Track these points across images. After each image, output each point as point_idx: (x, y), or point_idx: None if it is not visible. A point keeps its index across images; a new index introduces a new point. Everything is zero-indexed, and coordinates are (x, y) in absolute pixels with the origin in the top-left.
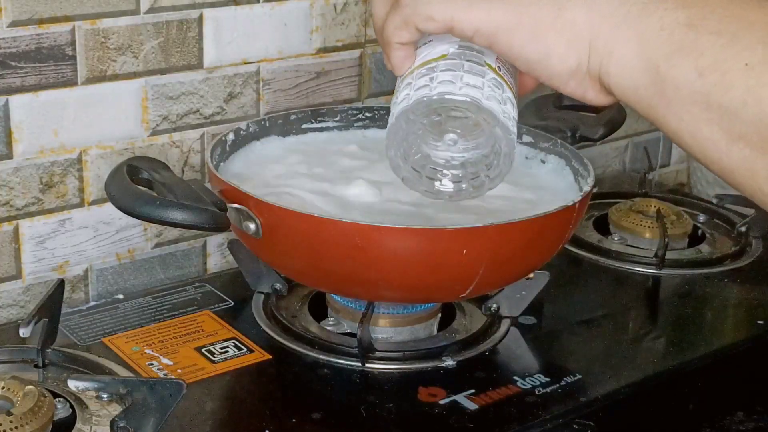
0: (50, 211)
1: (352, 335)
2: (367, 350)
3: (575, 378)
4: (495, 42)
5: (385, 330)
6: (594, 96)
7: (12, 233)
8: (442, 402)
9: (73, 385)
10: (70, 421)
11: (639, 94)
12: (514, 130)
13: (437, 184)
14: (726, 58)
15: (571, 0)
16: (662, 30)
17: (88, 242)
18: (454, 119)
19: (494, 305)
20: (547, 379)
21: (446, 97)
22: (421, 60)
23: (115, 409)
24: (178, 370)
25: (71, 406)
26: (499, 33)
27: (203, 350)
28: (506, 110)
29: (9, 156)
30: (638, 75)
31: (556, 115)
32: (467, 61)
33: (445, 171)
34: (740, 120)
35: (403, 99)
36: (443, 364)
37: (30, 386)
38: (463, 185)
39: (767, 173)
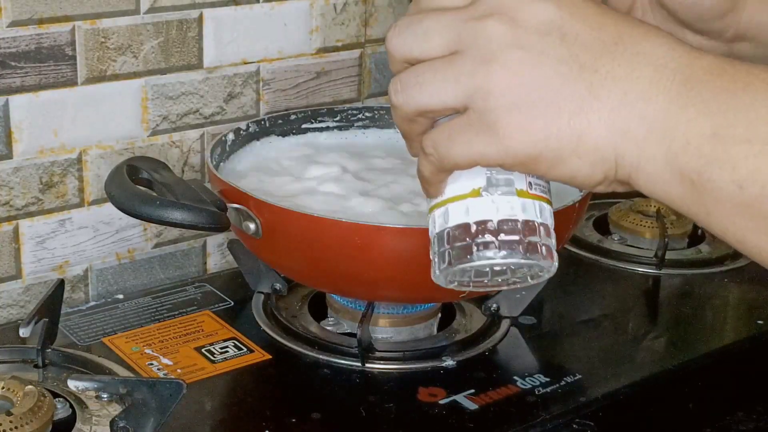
0: (50, 211)
1: (352, 335)
2: (367, 350)
3: (575, 378)
4: (520, 170)
5: (385, 330)
6: (623, 190)
7: (12, 233)
8: (442, 402)
9: (73, 385)
10: (70, 421)
11: (675, 203)
12: (554, 242)
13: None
14: (763, 169)
15: (590, 122)
16: (689, 144)
17: (88, 242)
18: None
19: (494, 305)
20: (547, 379)
21: (487, 263)
22: (453, 192)
23: (115, 409)
24: (178, 370)
25: (71, 406)
26: (522, 165)
27: (203, 350)
28: (542, 232)
29: (9, 156)
30: (671, 188)
31: None
32: (499, 195)
33: (489, 276)
34: None
35: (443, 253)
36: (443, 364)
37: (30, 386)
38: (506, 284)
39: None
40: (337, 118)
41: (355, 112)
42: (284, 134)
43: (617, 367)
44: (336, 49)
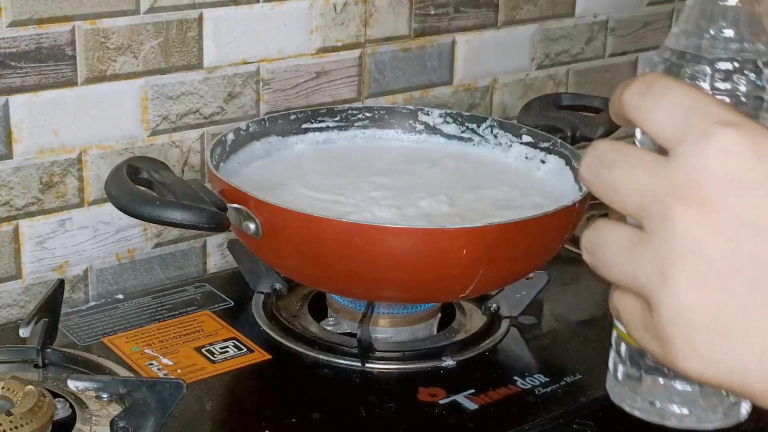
0: (50, 211)
1: (352, 335)
2: (367, 350)
3: (575, 378)
4: None
5: (385, 330)
6: None
7: (12, 233)
8: (442, 402)
9: (73, 385)
10: (70, 421)
11: None
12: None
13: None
14: None
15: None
16: None
17: (88, 242)
18: None
19: (494, 305)
20: (547, 379)
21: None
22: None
23: (115, 409)
24: (178, 370)
25: (71, 406)
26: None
27: (203, 350)
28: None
29: (9, 156)
30: None
31: (556, 115)
32: None
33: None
34: None
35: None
36: (443, 364)
37: (30, 386)
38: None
39: None
40: (337, 118)
41: (355, 112)
42: (284, 134)
43: None
44: (336, 49)
